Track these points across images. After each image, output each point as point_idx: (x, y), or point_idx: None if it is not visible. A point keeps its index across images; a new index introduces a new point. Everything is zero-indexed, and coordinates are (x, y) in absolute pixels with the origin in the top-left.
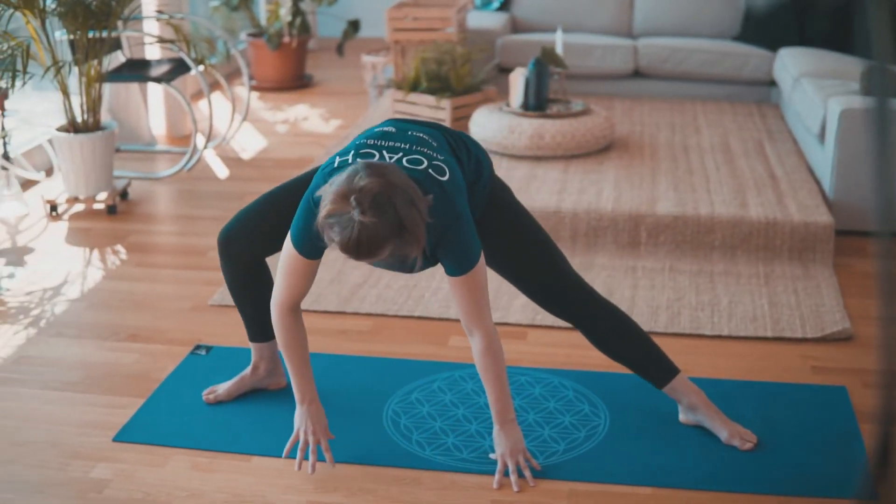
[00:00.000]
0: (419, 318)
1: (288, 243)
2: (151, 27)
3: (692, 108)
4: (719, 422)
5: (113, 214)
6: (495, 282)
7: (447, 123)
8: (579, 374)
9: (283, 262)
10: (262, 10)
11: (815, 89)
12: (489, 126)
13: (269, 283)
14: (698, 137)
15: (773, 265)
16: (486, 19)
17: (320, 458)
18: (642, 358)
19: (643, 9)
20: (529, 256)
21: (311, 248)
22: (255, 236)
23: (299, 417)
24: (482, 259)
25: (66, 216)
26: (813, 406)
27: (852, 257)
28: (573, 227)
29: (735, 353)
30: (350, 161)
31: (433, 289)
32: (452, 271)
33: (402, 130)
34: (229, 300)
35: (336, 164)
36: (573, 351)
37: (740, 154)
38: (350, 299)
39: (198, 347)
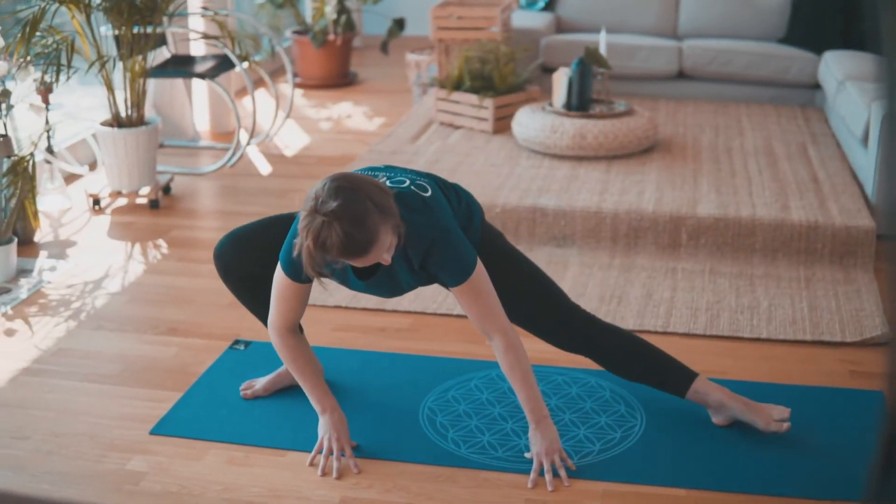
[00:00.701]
0: (458, 316)
1: (279, 270)
2: (196, 23)
3: (736, 110)
4: (750, 411)
5: (155, 209)
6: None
7: (490, 123)
8: None
9: (276, 289)
10: (307, 8)
11: (859, 92)
12: (532, 125)
13: (248, 286)
14: (741, 140)
15: (813, 269)
16: (530, 19)
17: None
18: (658, 372)
19: (688, 10)
20: (527, 298)
21: (298, 272)
22: (246, 254)
23: (322, 427)
24: (479, 264)
25: (108, 210)
26: (851, 410)
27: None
28: (614, 227)
29: (774, 357)
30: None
31: None
32: (452, 282)
33: (389, 167)
34: None
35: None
36: None
37: (783, 157)
38: (388, 298)
39: (236, 342)
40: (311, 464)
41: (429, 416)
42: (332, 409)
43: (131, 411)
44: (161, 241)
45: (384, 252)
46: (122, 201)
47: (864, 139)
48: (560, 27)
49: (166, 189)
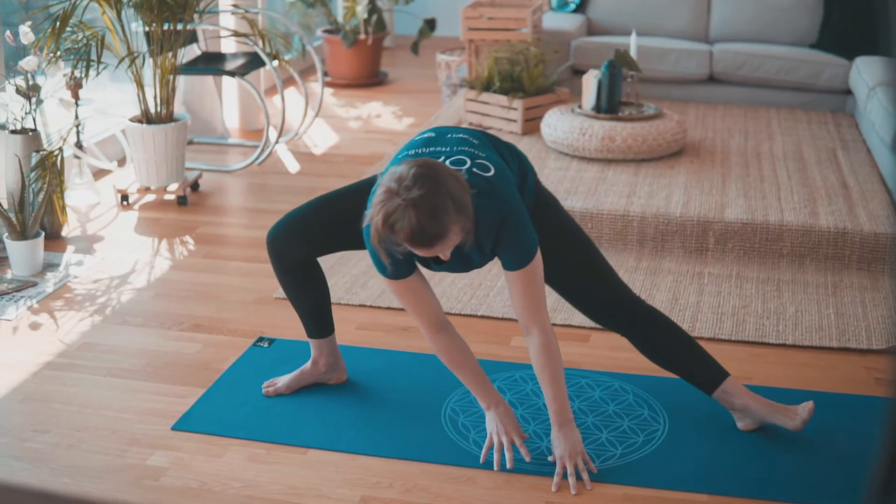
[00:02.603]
0: (482, 317)
1: (385, 280)
2: (227, 21)
3: (766, 114)
4: (777, 412)
5: (183, 205)
6: None
7: (519, 124)
8: (641, 378)
9: (396, 295)
10: (338, 7)
11: (890, 99)
12: (560, 127)
13: (320, 280)
14: (771, 144)
15: (841, 275)
16: (561, 21)
17: (517, 457)
18: (691, 364)
19: (720, 14)
20: (577, 264)
21: (400, 267)
22: (302, 236)
23: (490, 422)
24: (539, 253)
25: (136, 206)
26: (875, 418)
27: None
28: (641, 230)
29: (799, 363)
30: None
31: (497, 288)
32: (511, 265)
33: (442, 134)
34: None
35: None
36: (635, 355)
37: (813, 163)
38: None
39: (260, 339)
40: (483, 460)
41: (451, 417)
42: (497, 403)
43: (154, 406)
44: (188, 238)
45: (447, 249)
46: (150, 197)
47: (894, 146)
48: (591, 29)
49: (194, 186)
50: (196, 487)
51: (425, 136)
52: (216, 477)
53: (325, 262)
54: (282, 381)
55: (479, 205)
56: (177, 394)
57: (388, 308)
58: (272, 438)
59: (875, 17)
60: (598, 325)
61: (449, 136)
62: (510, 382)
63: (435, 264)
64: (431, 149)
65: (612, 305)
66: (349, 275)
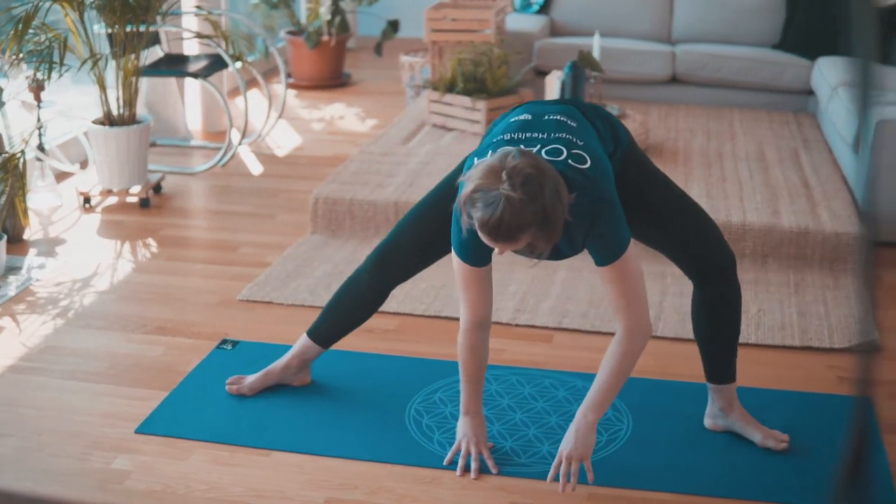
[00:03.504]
0: (446, 318)
1: (456, 260)
2: (190, 23)
3: (729, 115)
4: (752, 425)
5: (146, 208)
6: (523, 284)
7: (482, 125)
8: None
9: (458, 279)
10: (301, 8)
11: (851, 99)
12: None
13: (374, 310)
14: (733, 145)
15: (803, 274)
16: (524, 22)
17: (483, 468)
18: (726, 351)
19: (683, 15)
20: (671, 209)
21: (472, 250)
22: (410, 255)
23: (461, 428)
24: (631, 249)
25: (99, 208)
26: (838, 416)
27: (885, 268)
28: None
29: (762, 362)
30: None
31: None
32: (601, 260)
33: (539, 115)
34: (257, 296)
35: (476, 162)
36: (599, 355)
37: (775, 162)
38: None
39: (224, 342)
40: (447, 464)
41: (415, 418)
42: (474, 413)
43: (117, 410)
44: (151, 240)
45: (508, 249)
46: (112, 200)
47: (856, 145)
48: (554, 31)
49: (157, 188)
50: (160, 490)
51: (521, 118)
52: (180, 480)
53: (286, 264)
54: (247, 381)
55: (573, 204)
56: (140, 397)
57: None
58: (236, 441)
59: (837, 18)
60: (561, 325)
61: (546, 117)
62: None
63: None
64: (528, 134)
65: (711, 249)
66: (312, 277)
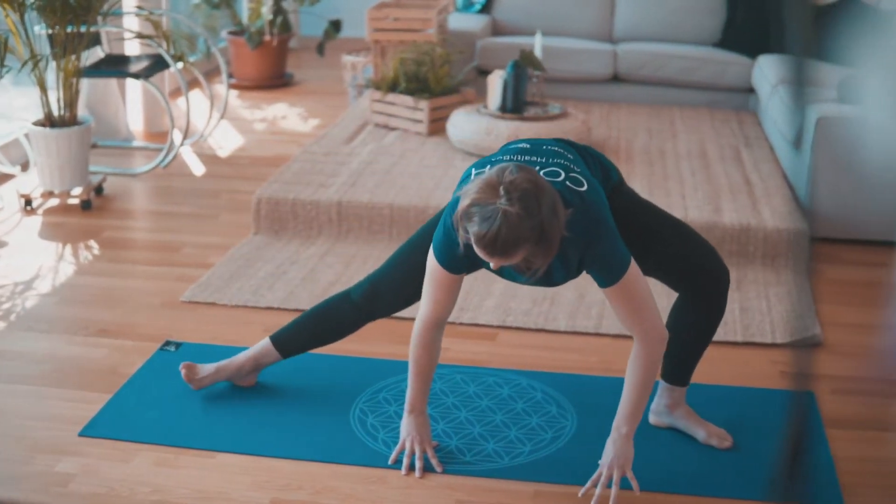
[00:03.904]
0: (390, 318)
1: (432, 259)
2: (131, 23)
3: (670, 113)
4: (696, 422)
5: (87, 210)
6: (467, 282)
7: (425, 125)
8: (548, 375)
9: (429, 279)
10: (243, 8)
11: (791, 96)
12: (466, 127)
13: (347, 335)
14: (675, 143)
15: (745, 270)
16: (466, 21)
17: (427, 466)
18: (694, 355)
19: (624, 14)
20: (667, 229)
21: (457, 263)
22: (402, 293)
23: (406, 427)
24: (633, 265)
25: (40, 211)
26: (781, 411)
27: (825, 264)
28: None
29: (705, 358)
30: (487, 168)
31: None
32: (603, 282)
33: (537, 144)
34: (200, 297)
35: (473, 175)
36: (542, 353)
37: (716, 160)
38: (322, 298)
39: (167, 343)
40: (392, 463)
41: (360, 418)
42: (419, 412)
43: (60, 412)
44: (93, 242)
45: (504, 264)
46: (54, 202)
47: (797, 142)
48: (496, 30)
49: (99, 189)
50: (104, 493)
51: (520, 145)
52: (124, 482)
53: (229, 265)
54: (200, 373)
55: (569, 221)
56: (83, 399)
57: (296, 310)
58: (180, 443)
59: (777, 17)
60: (504, 323)
61: (544, 147)
62: None
63: (513, 273)
64: (527, 158)
65: (699, 275)
66: (255, 277)
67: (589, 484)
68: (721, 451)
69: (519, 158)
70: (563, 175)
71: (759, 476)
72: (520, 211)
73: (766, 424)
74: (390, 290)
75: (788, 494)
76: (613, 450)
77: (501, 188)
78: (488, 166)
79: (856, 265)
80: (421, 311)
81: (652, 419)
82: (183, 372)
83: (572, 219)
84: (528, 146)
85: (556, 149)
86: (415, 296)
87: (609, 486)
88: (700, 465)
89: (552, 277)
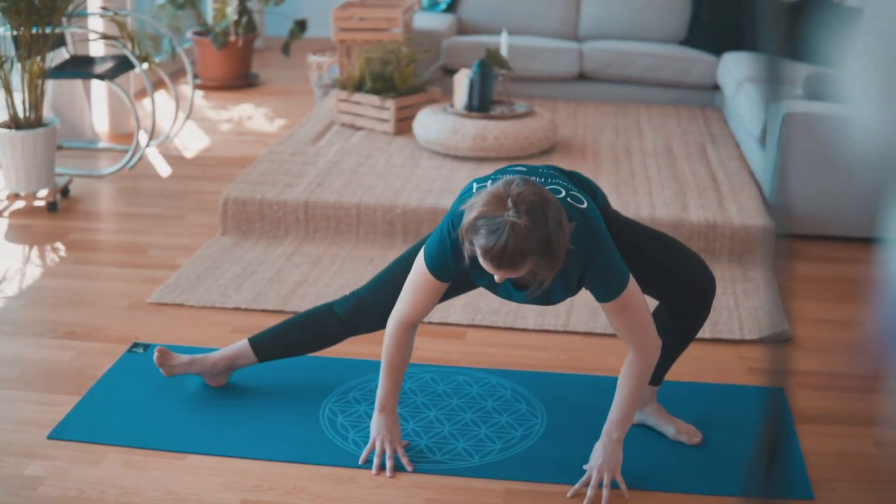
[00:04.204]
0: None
1: (421, 264)
2: (96, 24)
3: (636, 111)
4: (665, 419)
5: (54, 212)
6: None
7: (391, 124)
8: (517, 374)
9: (414, 281)
10: (208, 9)
11: (757, 93)
12: (433, 127)
13: (326, 347)
14: (641, 140)
15: (712, 267)
16: (432, 20)
17: (398, 465)
18: (671, 357)
19: (589, 12)
20: (654, 242)
21: (445, 271)
22: (385, 311)
23: (376, 426)
24: (633, 282)
25: (6, 213)
26: (751, 407)
27: (794, 260)
28: None
29: None
30: (489, 184)
31: None
32: (603, 297)
33: (533, 168)
34: (168, 298)
35: (475, 189)
36: (512, 351)
37: (682, 157)
38: (290, 298)
39: (135, 345)
40: (362, 463)
41: (329, 418)
42: (389, 411)
43: (29, 415)
44: (59, 244)
45: (509, 277)
46: (19, 204)
47: (763, 139)
48: (461, 29)
49: (65, 191)
50: (74, 496)
51: (517, 168)
52: (94, 485)
53: (197, 266)
54: (174, 361)
55: (572, 234)
56: (52, 402)
57: (263, 311)
58: (149, 444)
59: (743, 14)
60: (473, 322)
61: (540, 170)
62: None
63: (510, 291)
64: (527, 178)
65: (688, 286)
66: (223, 278)
67: (579, 485)
68: (691, 447)
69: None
70: (563, 192)
71: (729, 471)
72: (528, 223)
73: (735, 420)
74: (374, 308)
75: (764, 490)
76: (603, 453)
77: (509, 200)
78: (489, 182)
79: (823, 261)
80: (398, 309)
81: None
82: (156, 356)
83: (575, 233)
84: (525, 169)
85: (552, 171)
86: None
87: (600, 487)
88: (670, 461)
89: (552, 295)
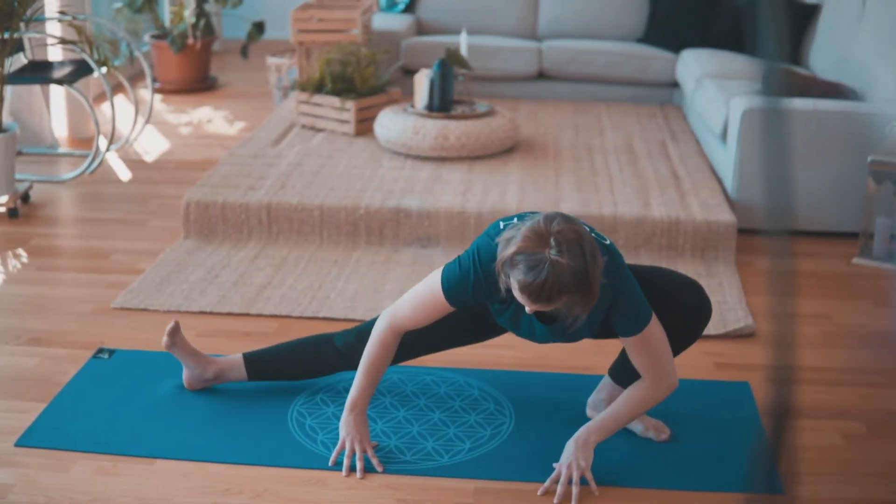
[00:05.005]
0: (324, 318)
1: (437, 284)
2: (54, 28)
3: (596, 109)
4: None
5: (14, 218)
6: (401, 282)
7: (352, 125)
8: (485, 372)
9: (423, 296)
10: (165, 12)
11: (717, 89)
12: (394, 127)
13: (322, 375)
14: (602, 138)
15: (675, 263)
16: (390, 21)
17: (368, 466)
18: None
19: (548, 11)
20: (646, 271)
21: (460, 299)
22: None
23: (345, 426)
24: (654, 316)
25: None
26: (717, 402)
27: (754, 255)
28: (478, 227)
29: None
30: (516, 222)
31: (338, 290)
32: (628, 332)
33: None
34: (131, 303)
35: (502, 226)
36: (478, 350)
37: (643, 154)
38: (255, 301)
39: (100, 351)
40: (332, 464)
41: (298, 420)
42: (359, 411)
43: None
44: (21, 251)
45: (545, 310)
46: None
47: (723, 135)
48: (420, 29)
49: (25, 197)
50: (44, 503)
51: (529, 214)
52: (63, 492)
53: (160, 270)
54: (183, 342)
55: (604, 269)
56: (18, 409)
57: (228, 314)
58: (118, 450)
59: (699, 11)
60: None
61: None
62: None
63: (539, 326)
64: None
65: (685, 307)
66: (187, 282)
67: (549, 482)
68: (659, 443)
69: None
70: (587, 229)
71: (697, 466)
72: (569, 262)
73: (702, 415)
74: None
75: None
76: (575, 450)
77: (552, 239)
78: (515, 219)
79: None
80: (395, 314)
81: (590, 413)
82: (170, 326)
83: (605, 267)
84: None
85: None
86: (400, 356)
87: (569, 483)
88: (639, 457)
89: (576, 333)
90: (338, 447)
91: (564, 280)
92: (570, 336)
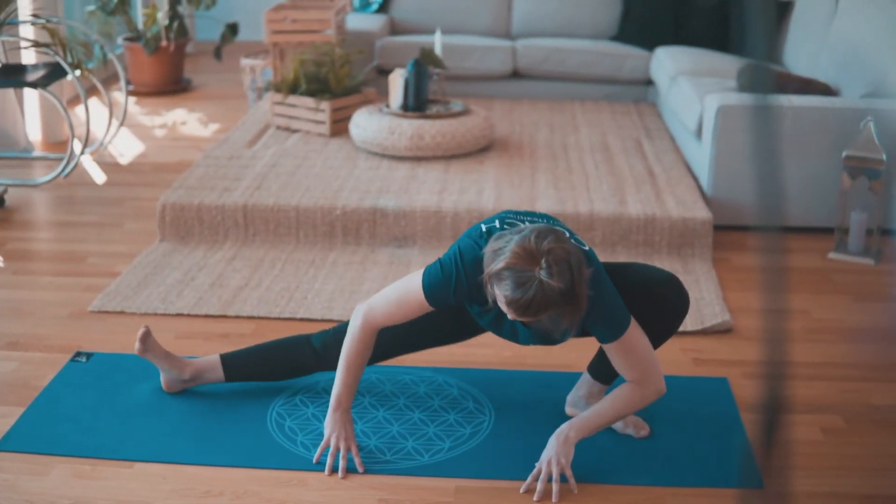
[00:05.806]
0: (302, 319)
1: (417, 284)
2: (27, 32)
3: (571, 107)
4: None
5: None
6: (378, 282)
7: (327, 125)
8: (463, 371)
9: (403, 295)
10: (138, 14)
11: (692, 87)
12: (369, 127)
13: (298, 376)
14: (577, 137)
15: (652, 260)
16: (364, 21)
17: (350, 465)
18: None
19: (521, 10)
20: (620, 268)
21: (441, 301)
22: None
23: (330, 424)
24: (634, 321)
25: None
26: (695, 398)
27: (730, 251)
28: (455, 226)
29: None
30: (498, 226)
31: (315, 290)
32: (607, 338)
33: (528, 212)
34: (108, 306)
35: (485, 229)
36: (456, 349)
37: (619, 152)
38: (232, 302)
39: (78, 354)
40: (316, 461)
41: (277, 421)
42: (344, 409)
43: None
44: None
45: (528, 322)
46: None
47: (698, 132)
48: (394, 29)
49: (0, 201)
50: None
51: (511, 212)
52: (43, 496)
53: (137, 273)
54: (153, 347)
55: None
56: None
57: (206, 316)
58: (97, 454)
59: (673, 9)
60: None
61: (536, 213)
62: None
63: (522, 330)
64: (529, 219)
65: (663, 303)
66: (164, 284)
67: (530, 479)
68: (638, 439)
69: (523, 219)
70: (568, 235)
71: (676, 462)
72: (559, 283)
73: (681, 411)
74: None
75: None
76: (556, 447)
77: (543, 260)
78: (497, 221)
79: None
80: (372, 312)
81: (569, 410)
82: (142, 332)
83: (590, 278)
84: (524, 212)
85: (547, 216)
86: (380, 355)
87: (549, 480)
88: (618, 454)
89: (551, 337)
90: (322, 444)
91: (552, 298)
92: (553, 340)
